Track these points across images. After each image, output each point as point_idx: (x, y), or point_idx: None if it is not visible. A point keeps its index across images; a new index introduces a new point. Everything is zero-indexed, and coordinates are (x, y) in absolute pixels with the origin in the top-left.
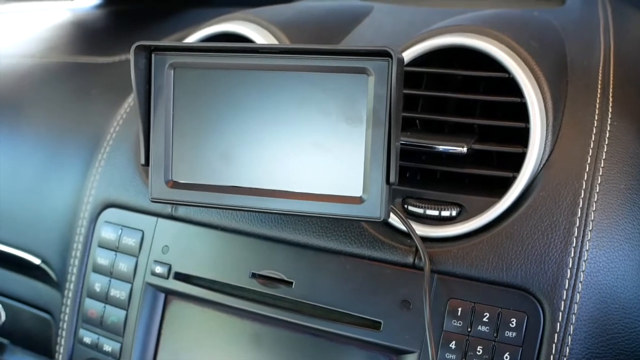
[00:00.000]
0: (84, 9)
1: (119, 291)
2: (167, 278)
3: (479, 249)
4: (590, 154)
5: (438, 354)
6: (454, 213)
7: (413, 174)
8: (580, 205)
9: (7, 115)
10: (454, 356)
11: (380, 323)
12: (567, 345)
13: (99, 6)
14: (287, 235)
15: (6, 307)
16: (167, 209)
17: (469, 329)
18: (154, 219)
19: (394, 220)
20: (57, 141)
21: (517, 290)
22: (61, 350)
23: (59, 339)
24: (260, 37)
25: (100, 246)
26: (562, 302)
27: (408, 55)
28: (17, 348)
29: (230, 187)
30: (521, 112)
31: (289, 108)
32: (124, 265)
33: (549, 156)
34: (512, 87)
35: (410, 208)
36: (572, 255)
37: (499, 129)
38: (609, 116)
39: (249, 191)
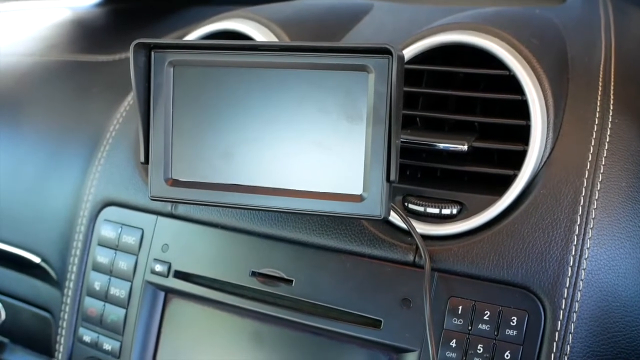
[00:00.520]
0: (83, 7)
1: (118, 289)
2: (167, 276)
3: (480, 247)
4: (592, 151)
5: (438, 352)
6: (454, 211)
7: (413, 171)
8: (582, 203)
9: (7, 113)
10: (454, 354)
11: (380, 321)
12: (568, 344)
13: (98, 4)
14: (287, 233)
15: (6, 306)
16: (167, 207)
17: (470, 327)
18: (153, 217)
19: (394, 218)
20: (57, 139)
21: (517, 289)
22: (61, 349)
23: (58, 337)
24: (260, 34)
25: (100, 244)
26: (563, 300)
27: (408, 52)
28: (17, 347)
29: (230, 185)
30: (522, 109)
31: (289, 106)
32: (124, 263)
33: (549, 154)
34: (512, 84)
35: (411, 206)
36: (573, 253)
37: (499, 127)
38: (610, 114)
39: (249, 189)
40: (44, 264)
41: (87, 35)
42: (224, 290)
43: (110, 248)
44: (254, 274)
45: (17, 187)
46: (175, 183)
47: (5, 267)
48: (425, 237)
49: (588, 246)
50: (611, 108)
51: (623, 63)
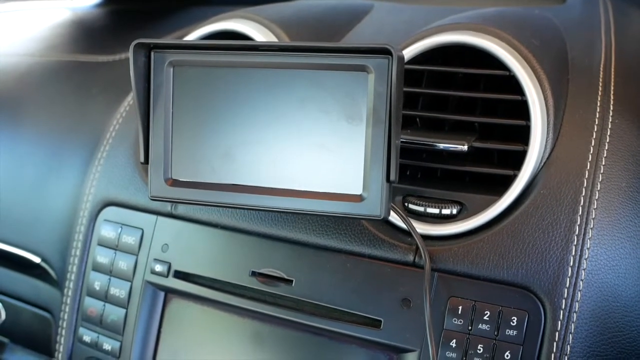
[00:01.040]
0: (83, 7)
1: (118, 289)
2: (167, 276)
3: (480, 247)
4: (592, 152)
5: (438, 352)
6: (454, 211)
7: (413, 172)
8: (582, 203)
9: (7, 114)
10: (454, 355)
11: (380, 321)
12: (568, 344)
13: (98, 5)
14: (287, 233)
15: (6, 306)
16: (167, 207)
17: (470, 328)
18: (153, 217)
19: (394, 218)
20: (57, 140)
21: (517, 289)
22: (61, 349)
23: (58, 337)
24: (260, 34)
25: (99, 244)
26: (563, 301)
27: (408, 52)
28: (17, 346)
29: (230, 185)
30: (522, 110)
31: (288, 106)
32: (124, 263)
33: (550, 154)
34: (513, 85)
35: (411, 206)
36: (573, 253)
37: (499, 127)
38: (611, 114)
39: (249, 189)
40: (44, 264)
41: (87, 35)
42: (224, 290)
43: (110, 248)
44: (254, 274)
45: (17, 187)
46: (175, 183)
47: (6, 267)
48: (425, 237)
49: (588, 246)
50: (611, 108)
51: (623, 63)
